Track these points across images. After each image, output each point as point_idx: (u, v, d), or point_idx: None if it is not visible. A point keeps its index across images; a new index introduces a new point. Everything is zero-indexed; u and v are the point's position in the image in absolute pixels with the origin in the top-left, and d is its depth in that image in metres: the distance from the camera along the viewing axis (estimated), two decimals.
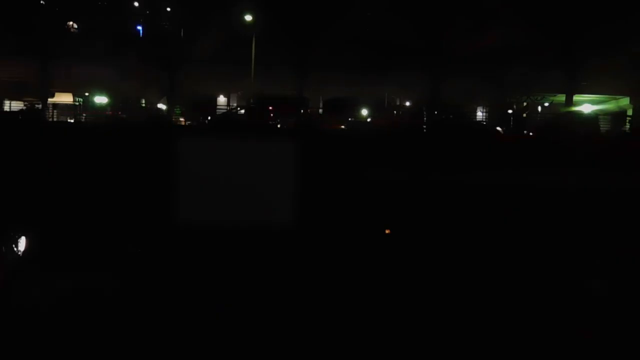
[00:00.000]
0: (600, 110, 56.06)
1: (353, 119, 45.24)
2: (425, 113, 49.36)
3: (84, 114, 50.34)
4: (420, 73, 50.27)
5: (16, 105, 51.76)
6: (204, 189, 19.40)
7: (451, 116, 48.00)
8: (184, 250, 16.15)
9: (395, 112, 48.16)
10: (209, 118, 44.56)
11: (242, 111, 46.69)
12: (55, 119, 48.22)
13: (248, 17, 51.00)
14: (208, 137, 26.88)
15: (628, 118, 52.81)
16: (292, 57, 50.82)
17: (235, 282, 13.74)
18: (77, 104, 55.22)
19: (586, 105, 56.44)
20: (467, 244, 17.80)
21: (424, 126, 44.38)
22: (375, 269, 15.27)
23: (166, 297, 12.63)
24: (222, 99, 60.88)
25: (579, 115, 48.97)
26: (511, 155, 28.77)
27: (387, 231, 20.27)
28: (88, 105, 53.80)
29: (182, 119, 47.22)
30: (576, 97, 52.80)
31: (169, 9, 55.09)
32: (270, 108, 43.17)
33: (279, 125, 41.21)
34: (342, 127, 42.27)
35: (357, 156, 27.38)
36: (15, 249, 13.86)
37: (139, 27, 56.97)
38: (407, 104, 59.96)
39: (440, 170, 25.77)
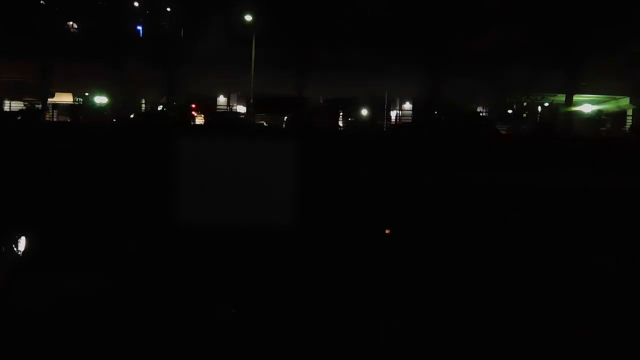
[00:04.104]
0: (600, 110, 56.11)
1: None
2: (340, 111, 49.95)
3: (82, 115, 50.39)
4: (420, 73, 50.31)
5: (16, 105, 51.81)
6: (204, 189, 19.41)
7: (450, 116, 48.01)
8: (184, 250, 16.16)
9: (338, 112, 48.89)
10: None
11: None
12: (55, 119, 48.25)
13: (248, 17, 51.01)
14: (208, 137, 26.88)
15: (628, 118, 52.93)
16: (292, 57, 50.81)
17: (235, 283, 13.75)
18: (77, 104, 55.24)
19: (586, 105, 56.49)
20: (467, 243, 17.81)
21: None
22: (375, 268, 15.28)
23: (166, 298, 12.64)
24: (222, 99, 60.90)
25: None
26: (511, 155, 28.81)
27: (387, 231, 20.28)
28: (88, 105, 53.86)
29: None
30: (576, 97, 52.82)
31: (169, 9, 55.09)
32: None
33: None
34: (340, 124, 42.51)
35: (357, 156, 27.41)
36: (15, 249, 13.86)
37: (139, 27, 56.97)
38: (407, 104, 60.09)
39: (440, 170, 25.80)
